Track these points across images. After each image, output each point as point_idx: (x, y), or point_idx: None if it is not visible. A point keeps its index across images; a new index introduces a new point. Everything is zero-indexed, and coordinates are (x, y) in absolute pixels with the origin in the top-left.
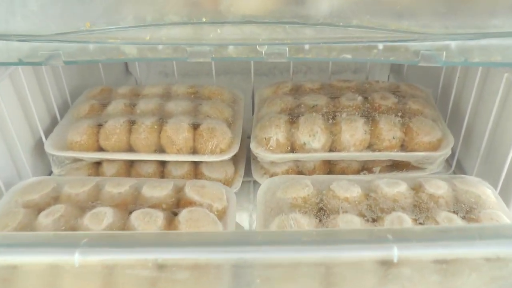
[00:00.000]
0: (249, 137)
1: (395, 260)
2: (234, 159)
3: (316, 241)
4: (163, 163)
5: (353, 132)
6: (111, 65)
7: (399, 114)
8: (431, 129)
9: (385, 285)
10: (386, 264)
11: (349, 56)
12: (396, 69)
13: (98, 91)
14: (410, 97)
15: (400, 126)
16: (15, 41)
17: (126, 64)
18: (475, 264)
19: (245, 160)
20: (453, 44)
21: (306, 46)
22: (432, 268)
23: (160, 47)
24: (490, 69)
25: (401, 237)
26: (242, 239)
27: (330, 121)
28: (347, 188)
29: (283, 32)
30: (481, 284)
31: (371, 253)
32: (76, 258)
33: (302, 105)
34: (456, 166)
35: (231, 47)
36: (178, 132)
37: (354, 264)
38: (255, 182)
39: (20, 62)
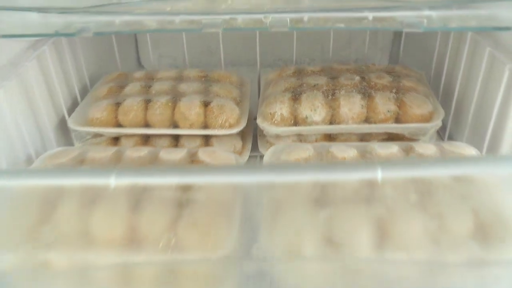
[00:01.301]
0: (255, 118)
1: (379, 180)
2: (242, 136)
3: (313, 166)
4: (176, 137)
5: (351, 106)
6: (124, 58)
7: (394, 90)
8: (423, 102)
9: (371, 203)
10: (372, 185)
11: (342, 25)
12: (394, 58)
13: (116, 75)
14: (404, 77)
15: (394, 101)
16: (54, 13)
17: (138, 58)
18: (446, 184)
19: (251, 138)
20: (434, 14)
21: (305, 18)
22: (411, 188)
23: (177, 20)
24: (476, 47)
25: (385, 161)
26: (252, 168)
27: (330, 97)
28: (345, 150)
29: (284, 2)
30: (454, 202)
31: (359, 174)
32: (112, 180)
33: (304, 85)
34: (447, 140)
35: (239, 19)
36: (191, 108)
37: (344, 185)
38: (261, 157)
39: (56, 34)
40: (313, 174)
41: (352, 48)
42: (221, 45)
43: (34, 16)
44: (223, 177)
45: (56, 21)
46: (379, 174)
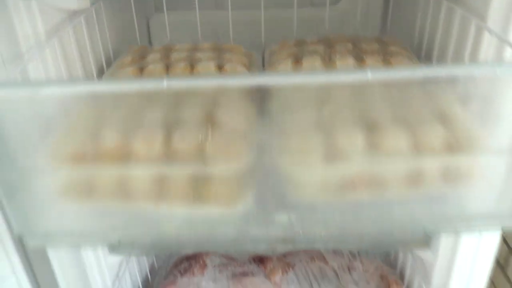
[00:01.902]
0: None
1: (369, 79)
2: None
3: (315, 72)
4: None
5: (345, 67)
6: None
7: (382, 54)
8: (407, 63)
9: (363, 100)
10: (364, 85)
11: None
12: None
13: (138, 48)
14: (391, 44)
15: (382, 62)
16: None
17: (150, 43)
18: (418, 84)
19: None
20: None
21: None
22: (394, 86)
23: None
24: (451, 13)
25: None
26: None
27: (327, 60)
28: None
29: None
30: (425, 100)
31: (353, 76)
32: (164, 84)
33: (304, 51)
34: None
35: None
36: (207, 70)
37: (343, 85)
38: None
39: None
40: (317, 77)
41: (345, 30)
42: (230, 24)
43: None
44: (247, 80)
45: None
46: (369, 76)
